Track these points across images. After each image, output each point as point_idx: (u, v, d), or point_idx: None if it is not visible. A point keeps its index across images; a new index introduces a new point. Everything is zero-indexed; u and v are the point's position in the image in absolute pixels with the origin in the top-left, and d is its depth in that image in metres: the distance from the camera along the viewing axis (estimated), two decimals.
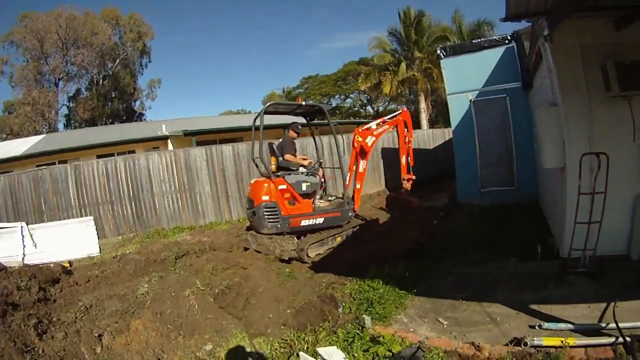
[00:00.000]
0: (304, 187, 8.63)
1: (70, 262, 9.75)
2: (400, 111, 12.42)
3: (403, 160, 12.41)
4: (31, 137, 27.92)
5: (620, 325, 4.19)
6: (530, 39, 8.67)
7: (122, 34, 44.43)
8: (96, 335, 5.33)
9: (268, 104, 8.74)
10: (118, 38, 44.22)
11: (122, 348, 5.18)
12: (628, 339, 4.05)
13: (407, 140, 12.76)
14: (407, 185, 13.00)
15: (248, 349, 5.18)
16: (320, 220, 8.83)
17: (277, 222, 8.26)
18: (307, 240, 8.45)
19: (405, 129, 12.58)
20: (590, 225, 5.64)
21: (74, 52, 39.15)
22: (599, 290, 5.40)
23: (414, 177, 12.87)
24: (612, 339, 4.17)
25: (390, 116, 12.00)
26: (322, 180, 9.54)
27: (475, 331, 4.95)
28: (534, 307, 5.27)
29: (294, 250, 8.28)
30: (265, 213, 8.21)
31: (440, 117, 37.41)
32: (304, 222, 8.63)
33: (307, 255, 8.29)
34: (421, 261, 7.54)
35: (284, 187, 8.40)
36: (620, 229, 6.08)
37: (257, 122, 8.55)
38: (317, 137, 10.99)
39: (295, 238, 8.54)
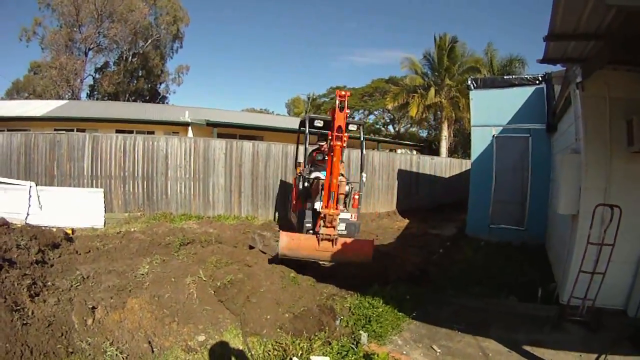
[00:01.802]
0: None
1: (73, 230, 9.84)
2: None
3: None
4: (53, 101, 28.09)
5: None
6: (562, 83, 8.66)
7: (157, 16, 44.68)
8: (90, 307, 5.33)
9: (310, 115, 8.79)
10: (153, 19, 44.47)
11: (114, 324, 5.18)
12: None
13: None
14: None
15: (240, 347, 5.18)
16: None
17: None
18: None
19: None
20: (593, 275, 5.72)
21: (108, 25, 39.39)
22: (592, 341, 5.44)
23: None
24: None
25: None
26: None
27: None
28: (527, 348, 5.29)
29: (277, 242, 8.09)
30: None
31: (459, 147, 37.29)
32: None
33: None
34: (422, 287, 7.55)
35: None
36: (621, 283, 6.09)
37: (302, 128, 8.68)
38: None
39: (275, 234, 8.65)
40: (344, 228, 8.56)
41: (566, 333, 5.74)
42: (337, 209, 7.29)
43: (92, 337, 4.87)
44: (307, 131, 9.10)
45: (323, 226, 7.31)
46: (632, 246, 5.95)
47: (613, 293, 6.03)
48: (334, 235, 7.34)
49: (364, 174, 9.78)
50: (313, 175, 9.19)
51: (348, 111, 7.22)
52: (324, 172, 8.24)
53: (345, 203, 8.88)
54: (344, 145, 7.13)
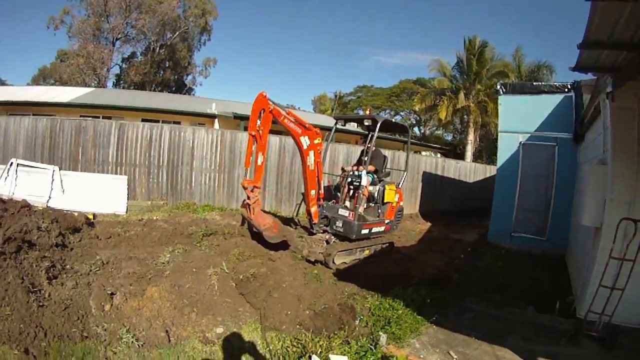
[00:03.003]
0: None
1: (94, 215, 9.95)
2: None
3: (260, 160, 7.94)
4: (79, 88, 28.36)
5: None
6: (592, 92, 8.54)
7: (186, 8, 44.96)
8: (108, 292, 5.39)
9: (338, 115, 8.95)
10: (182, 11, 44.77)
11: (132, 311, 5.23)
12: None
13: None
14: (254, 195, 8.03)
15: (259, 341, 5.20)
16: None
17: None
18: (336, 247, 8.42)
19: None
20: (612, 290, 5.62)
21: (136, 16, 39.80)
22: (607, 358, 5.38)
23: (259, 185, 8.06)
24: None
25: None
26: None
27: None
28: None
29: (322, 253, 8.30)
30: None
31: (484, 152, 36.99)
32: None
33: (333, 262, 8.26)
34: (443, 292, 7.50)
35: None
36: None
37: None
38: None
39: (325, 242, 8.58)
40: (340, 225, 8.55)
41: (582, 348, 5.65)
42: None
43: (108, 323, 4.92)
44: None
45: None
46: None
47: (631, 310, 5.92)
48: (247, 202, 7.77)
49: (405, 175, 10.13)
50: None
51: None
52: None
53: (355, 198, 8.85)
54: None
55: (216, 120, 22.26)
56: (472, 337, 5.78)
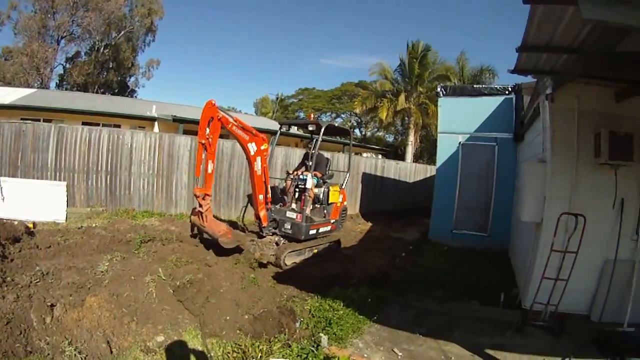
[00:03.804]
0: None
1: (34, 224, 9.53)
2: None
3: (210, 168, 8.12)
4: (21, 89, 27.22)
5: None
6: (532, 94, 8.84)
7: (133, 7, 43.78)
8: (48, 304, 5.19)
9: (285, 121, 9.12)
10: (128, 10, 43.52)
11: (72, 323, 5.05)
12: None
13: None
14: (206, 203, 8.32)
15: (200, 348, 5.11)
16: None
17: None
18: (286, 248, 8.58)
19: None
20: (556, 281, 5.88)
21: (83, 14, 38.30)
22: (556, 345, 5.54)
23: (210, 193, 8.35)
24: None
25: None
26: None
27: None
28: (490, 352, 5.35)
29: (273, 255, 8.42)
30: None
31: (425, 152, 37.84)
32: None
33: (284, 263, 8.41)
34: (384, 290, 7.60)
35: None
36: (584, 289, 6.32)
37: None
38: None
39: (275, 244, 8.77)
40: (289, 227, 8.78)
41: (530, 337, 5.83)
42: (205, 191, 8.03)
43: (50, 336, 4.73)
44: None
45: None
46: (595, 254, 6.20)
47: (576, 299, 6.27)
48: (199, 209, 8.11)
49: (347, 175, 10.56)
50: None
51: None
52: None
53: (302, 201, 8.99)
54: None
55: (156, 123, 21.95)
56: (416, 334, 5.86)
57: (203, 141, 7.74)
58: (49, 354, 4.47)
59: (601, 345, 5.47)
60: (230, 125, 7.99)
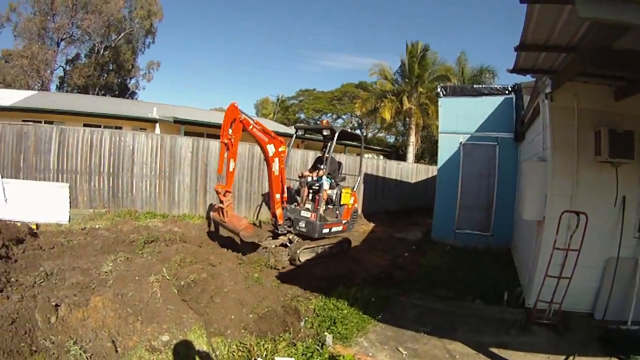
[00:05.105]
0: None
1: (37, 225, 9.56)
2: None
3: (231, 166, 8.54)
4: (22, 91, 27.27)
5: None
6: (532, 93, 8.87)
7: (132, 9, 43.87)
8: (53, 304, 5.18)
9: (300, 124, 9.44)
10: (127, 12, 43.63)
11: (77, 322, 5.04)
12: None
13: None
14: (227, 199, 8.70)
15: (205, 347, 5.13)
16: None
17: None
18: (301, 245, 9.05)
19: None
20: (559, 280, 5.88)
21: (82, 16, 38.36)
22: (560, 343, 5.56)
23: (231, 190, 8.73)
24: None
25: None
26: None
27: None
28: (494, 350, 5.37)
29: (288, 254, 8.96)
30: None
31: (426, 153, 37.82)
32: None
33: (299, 259, 8.84)
34: (388, 290, 7.62)
35: None
36: (588, 287, 6.32)
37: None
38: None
39: (288, 242, 9.40)
40: (303, 225, 9.23)
41: (534, 335, 5.85)
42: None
43: (55, 336, 4.73)
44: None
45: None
46: (597, 252, 6.19)
47: (580, 297, 6.27)
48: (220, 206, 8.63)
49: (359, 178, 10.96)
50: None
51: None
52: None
53: (315, 200, 9.43)
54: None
55: (157, 124, 21.97)
56: (420, 333, 5.89)
57: (225, 141, 8.14)
58: (54, 353, 4.48)
59: (605, 343, 5.48)
60: (250, 127, 8.42)
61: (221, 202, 8.45)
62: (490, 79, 26.54)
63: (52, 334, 4.74)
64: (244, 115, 8.27)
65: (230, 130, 8.11)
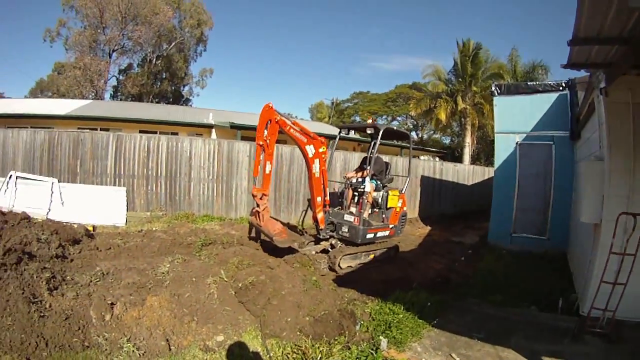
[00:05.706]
0: None
1: (94, 227, 9.96)
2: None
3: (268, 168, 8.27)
4: (77, 100, 28.54)
5: None
6: (586, 89, 8.53)
7: (181, 19, 45.19)
8: (108, 302, 5.38)
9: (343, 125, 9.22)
10: (177, 22, 45.01)
11: (132, 321, 5.22)
12: None
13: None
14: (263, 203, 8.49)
15: (259, 349, 5.18)
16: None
17: None
18: (341, 251, 8.69)
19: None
20: (614, 286, 5.57)
21: (132, 28, 39.93)
22: (612, 354, 5.35)
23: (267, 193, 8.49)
24: None
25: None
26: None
27: None
28: (546, 359, 5.21)
29: (328, 260, 8.63)
30: None
31: (482, 154, 37.07)
32: None
33: (339, 266, 8.50)
34: (443, 294, 7.50)
35: None
36: None
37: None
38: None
39: (330, 246, 9.06)
40: (346, 230, 8.78)
41: (586, 345, 5.62)
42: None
43: (109, 333, 4.91)
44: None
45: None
46: None
47: (634, 304, 5.89)
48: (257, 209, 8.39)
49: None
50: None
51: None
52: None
53: (360, 204, 8.96)
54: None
55: (213, 130, 22.35)
56: (474, 339, 5.74)
57: (261, 142, 7.98)
58: (106, 349, 4.63)
59: None
60: (287, 128, 8.12)
61: (257, 205, 8.29)
62: (542, 75, 25.86)
63: (106, 331, 4.92)
64: (280, 115, 8.03)
65: (265, 132, 7.95)
